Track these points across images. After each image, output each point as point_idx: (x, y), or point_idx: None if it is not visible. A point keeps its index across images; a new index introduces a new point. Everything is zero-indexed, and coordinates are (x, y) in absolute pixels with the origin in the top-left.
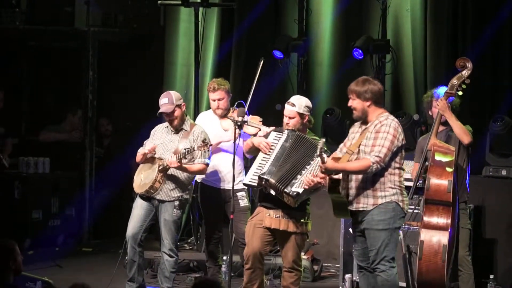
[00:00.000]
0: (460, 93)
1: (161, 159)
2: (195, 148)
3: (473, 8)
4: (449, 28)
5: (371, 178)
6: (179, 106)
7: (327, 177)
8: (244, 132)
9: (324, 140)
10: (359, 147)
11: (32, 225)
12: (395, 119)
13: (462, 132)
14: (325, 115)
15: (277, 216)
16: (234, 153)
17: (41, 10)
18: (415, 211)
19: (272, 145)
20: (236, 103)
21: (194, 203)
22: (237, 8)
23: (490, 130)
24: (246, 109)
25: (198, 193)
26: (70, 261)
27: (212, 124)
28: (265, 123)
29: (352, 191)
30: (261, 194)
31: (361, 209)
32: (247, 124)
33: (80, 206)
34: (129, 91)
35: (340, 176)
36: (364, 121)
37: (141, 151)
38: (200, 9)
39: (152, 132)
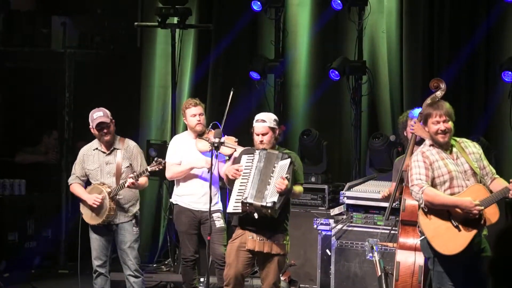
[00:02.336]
0: None
1: (104, 183)
2: (149, 169)
3: (449, 30)
4: (425, 50)
5: None
6: (112, 121)
7: None
8: (219, 153)
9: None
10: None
11: (7, 247)
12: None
13: None
14: (301, 136)
15: (260, 239)
16: (211, 175)
17: (18, 32)
18: (392, 231)
19: (246, 168)
20: (211, 124)
21: (170, 225)
22: (214, 30)
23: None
24: (221, 130)
25: (174, 214)
26: (46, 283)
27: (188, 146)
28: (242, 144)
29: None
30: (243, 218)
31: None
32: (223, 146)
33: (57, 228)
34: None
35: None
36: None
37: (90, 201)
38: (177, 30)
39: (81, 156)
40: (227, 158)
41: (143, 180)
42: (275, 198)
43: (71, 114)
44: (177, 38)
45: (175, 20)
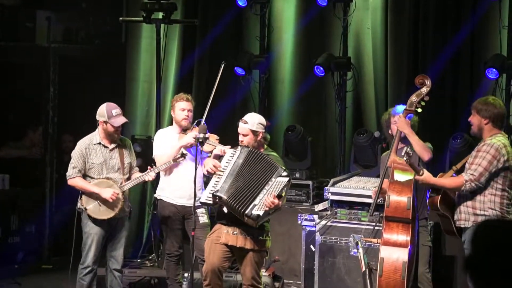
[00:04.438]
0: (419, 110)
1: (110, 178)
2: (172, 162)
3: (434, 26)
4: (410, 46)
5: (470, 196)
6: None
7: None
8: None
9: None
10: (464, 164)
11: None
12: (503, 141)
13: (422, 149)
14: (286, 132)
15: (234, 232)
16: (196, 170)
17: (2, 26)
18: (376, 227)
19: (227, 162)
20: (195, 121)
21: (154, 220)
22: (199, 25)
23: (450, 147)
24: (206, 125)
25: (158, 210)
26: (29, 278)
27: (171, 140)
28: (226, 140)
29: (456, 208)
30: (218, 211)
31: (462, 225)
32: (206, 142)
33: (40, 223)
34: (91, 107)
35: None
36: (479, 138)
37: (107, 195)
38: (162, 25)
39: (83, 150)
40: (209, 155)
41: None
42: (261, 213)
43: (56, 109)
44: (162, 33)
45: (160, 15)
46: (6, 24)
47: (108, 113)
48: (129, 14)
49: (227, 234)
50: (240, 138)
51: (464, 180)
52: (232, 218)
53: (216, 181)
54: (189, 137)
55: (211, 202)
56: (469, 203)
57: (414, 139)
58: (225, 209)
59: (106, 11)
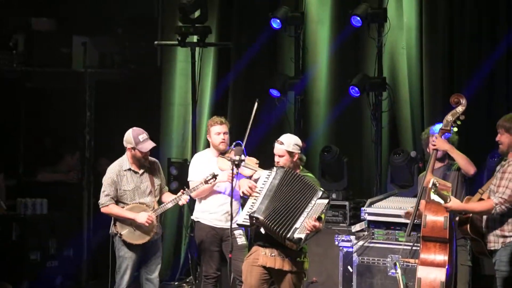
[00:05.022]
0: (455, 129)
1: (142, 203)
2: (204, 182)
3: (469, 45)
4: (445, 65)
5: (499, 218)
6: None
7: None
8: (239, 173)
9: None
10: (489, 186)
11: (30, 267)
12: None
13: (467, 163)
14: (322, 153)
15: (272, 254)
16: (232, 192)
17: (39, 52)
18: (413, 248)
19: (263, 183)
20: (234, 144)
21: (191, 242)
22: (233, 48)
23: (487, 166)
24: (243, 148)
25: (196, 232)
26: None
27: (209, 164)
28: (262, 162)
29: (485, 231)
30: (256, 233)
31: (492, 248)
32: (243, 166)
33: (78, 247)
34: (127, 131)
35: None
36: (505, 156)
37: (143, 219)
38: (197, 48)
39: (114, 177)
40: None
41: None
42: (302, 236)
43: (92, 133)
44: (197, 56)
45: (195, 38)
46: (43, 50)
47: (135, 139)
48: (164, 38)
49: (265, 256)
50: (276, 159)
51: (493, 204)
52: (270, 240)
53: (253, 202)
54: (224, 176)
55: (248, 224)
56: (497, 225)
57: (457, 154)
58: (262, 230)
59: (141, 35)
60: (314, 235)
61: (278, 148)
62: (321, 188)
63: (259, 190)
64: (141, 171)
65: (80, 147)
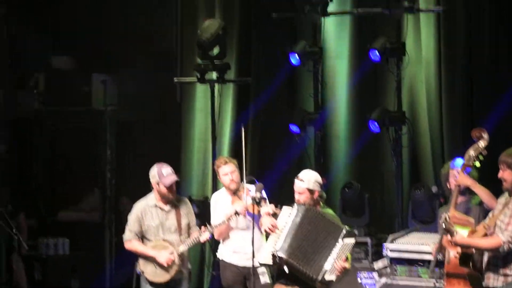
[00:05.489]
0: (478, 164)
1: (166, 240)
2: (226, 221)
3: (488, 78)
4: (465, 99)
5: (501, 256)
6: None
7: (458, 249)
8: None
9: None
10: (496, 222)
11: None
12: None
13: (489, 197)
14: (343, 189)
15: None
16: (253, 230)
17: (58, 91)
18: (437, 284)
19: (285, 222)
20: (246, 179)
21: (213, 280)
22: (252, 83)
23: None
24: (263, 185)
25: (219, 271)
26: None
27: (226, 204)
28: (282, 198)
29: (485, 266)
30: (278, 271)
31: (491, 285)
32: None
33: (101, 286)
34: (147, 168)
35: (473, 250)
36: (511, 193)
37: (163, 259)
38: (216, 85)
39: (139, 213)
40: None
41: (206, 235)
42: (333, 278)
43: (113, 171)
44: (216, 92)
45: (214, 75)
46: (62, 89)
47: (158, 173)
48: (184, 75)
49: None
50: (296, 196)
51: (502, 242)
52: (293, 277)
53: (275, 241)
54: (239, 207)
55: (271, 263)
56: (499, 262)
57: (478, 189)
58: (286, 269)
59: (161, 72)
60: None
61: (298, 186)
62: (345, 226)
63: (281, 228)
64: (168, 208)
65: (101, 185)
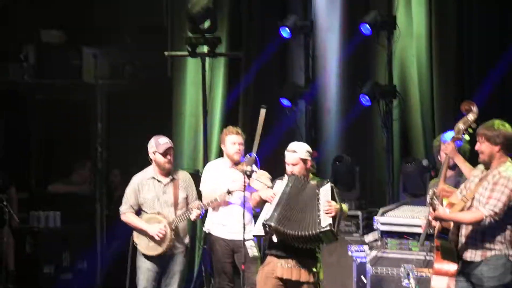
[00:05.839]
0: (467, 137)
1: (160, 213)
2: (218, 198)
3: (478, 52)
4: (456, 72)
5: (480, 230)
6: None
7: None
8: (249, 186)
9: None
10: (474, 195)
11: (43, 280)
12: None
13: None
14: (334, 162)
15: (288, 265)
16: (244, 203)
17: (49, 64)
18: (427, 257)
19: (274, 193)
20: (246, 156)
21: (205, 254)
22: (243, 57)
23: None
24: (254, 158)
25: (208, 244)
26: None
27: (222, 174)
28: (273, 172)
29: (462, 239)
30: (270, 242)
31: (468, 259)
32: (256, 179)
33: (92, 259)
34: (138, 142)
35: (451, 224)
36: (487, 166)
37: (154, 231)
38: (207, 59)
39: (135, 185)
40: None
41: (198, 211)
42: (330, 221)
43: (104, 144)
44: (207, 66)
45: (205, 48)
46: (53, 62)
47: (155, 142)
48: (174, 48)
49: (281, 267)
50: (289, 168)
51: (483, 215)
52: (285, 249)
53: (266, 212)
54: (237, 186)
55: (263, 233)
56: (477, 235)
57: (464, 165)
58: (274, 239)
59: (152, 46)
60: (342, 219)
61: (291, 157)
62: (320, 178)
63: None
64: (166, 181)
65: (92, 158)
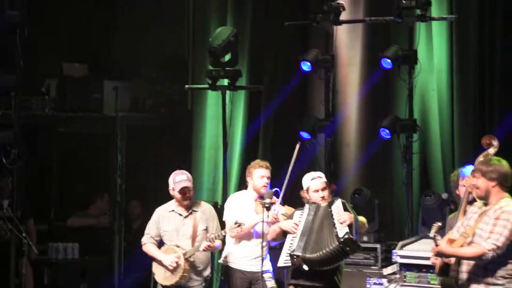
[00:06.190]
0: None
1: (179, 246)
2: (227, 231)
3: (499, 87)
4: (476, 107)
5: (482, 265)
6: (193, 185)
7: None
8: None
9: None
10: (475, 231)
11: None
12: None
13: None
14: (353, 195)
15: None
16: (263, 234)
17: (70, 97)
18: None
19: (299, 222)
20: (273, 191)
21: (222, 286)
22: (264, 91)
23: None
24: (277, 192)
25: (225, 276)
26: None
27: (247, 206)
28: (292, 204)
29: (463, 276)
30: (295, 273)
31: None
32: (282, 214)
33: None
34: (158, 174)
35: (452, 260)
36: (485, 202)
37: (167, 262)
38: (227, 92)
39: (156, 217)
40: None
41: (218, 242)
42: (346, 229)
43: (123, 177)
44: (227, 99)
45: (226, 81)
46: (74, 95)
47: (173, 179)
48: (195, 82)
49: None
50: (320, 194)
51: (485, 250)
52: (310, 277)
53: (291, 243)
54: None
55: (290, 264)
56: (480, 271)
57: None
58: (305, 267)
59: (173, 79)
60: (356, 226)
61: (320, 183)
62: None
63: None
64: (186, 214)
65: (111, 190)
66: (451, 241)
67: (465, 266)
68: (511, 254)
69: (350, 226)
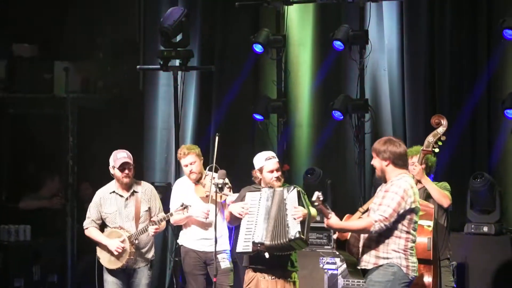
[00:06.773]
0: (437, 150)
1: (122, 227)
2: (173, 213)
3: (450, 67)
4: (427, 86)
5: (375, 238)
6: (133, 164)
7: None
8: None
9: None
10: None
11: None
12: (409, 181)
13: (440, 196)
14: (306, 175)
15: (272, 278)
16: (216, 216)
17: (20, 78)
18: None
19: (252, 206)
20: (208, 167)
21: (176, 267)
22: (216, 71)
23: (470, 187)
24: (225, 171)
25: (181, 257)
26: None
27: (187, 191)
28: (245, 185)
29: (360, 249)
30: (252, 258)
31: (363, 267)
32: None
33: (62, 273)
34: (110, 155)
35: (346, 235)
36: (384, 180)
37: (112, 247)
38: (179, 72)
39: (98, 199)
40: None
41: (163, 223)
42: (298, 228)
43: (75, 158)
44: (179, 80)
45: (177, 62)
46: (24, 75)
47: (113, 158)
48: (146, 62)
49: (266, 281)
50: (274, 174)
51: (373, 221)
52: (268, 263)
53: (248, 227)
54: (199, 212)
55: (250, 250)
56: (372, 244)
57: (431, 186)
58: (267, 255)
59: (124, 60)
60: (308, 222)
61: (274, 163)
62: (287, 185)
63: (252, 213)
64: (127, 195)
65: (63, 172)
66: (349, 217)
67: (362, 240)
68: (402, 228)
69: (303, 222)
